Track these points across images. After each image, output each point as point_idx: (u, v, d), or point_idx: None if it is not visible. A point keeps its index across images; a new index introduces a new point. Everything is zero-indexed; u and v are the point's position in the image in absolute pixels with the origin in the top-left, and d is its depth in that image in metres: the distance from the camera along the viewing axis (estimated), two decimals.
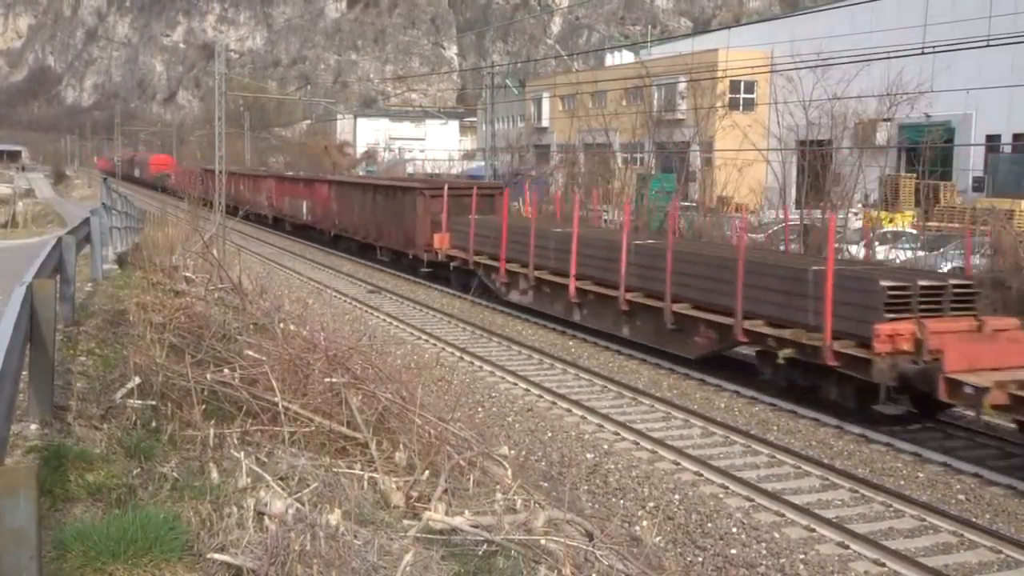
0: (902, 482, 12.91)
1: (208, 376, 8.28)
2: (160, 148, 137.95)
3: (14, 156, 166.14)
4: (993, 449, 14.18)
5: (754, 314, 16.57)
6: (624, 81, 49.84)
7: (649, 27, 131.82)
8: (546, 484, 11.46)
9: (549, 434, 14.73)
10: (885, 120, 39.34)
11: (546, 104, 70.48)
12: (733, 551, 10.53)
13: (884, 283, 14.43)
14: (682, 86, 51.56)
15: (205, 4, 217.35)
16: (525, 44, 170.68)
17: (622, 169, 51.65)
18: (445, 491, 7.12)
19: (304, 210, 45.38)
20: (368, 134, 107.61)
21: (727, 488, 12.47)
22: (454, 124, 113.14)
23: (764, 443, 14.39)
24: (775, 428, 15.36)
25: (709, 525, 11.19)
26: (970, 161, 41.64)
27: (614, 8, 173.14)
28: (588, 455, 13.66)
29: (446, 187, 30.66)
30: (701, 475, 12.99)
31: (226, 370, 8.52)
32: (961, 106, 40.14)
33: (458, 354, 20.39)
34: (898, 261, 26.22)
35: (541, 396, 17.10)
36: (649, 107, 51.40)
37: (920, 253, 26.66)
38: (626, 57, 72.02)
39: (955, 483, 12.86)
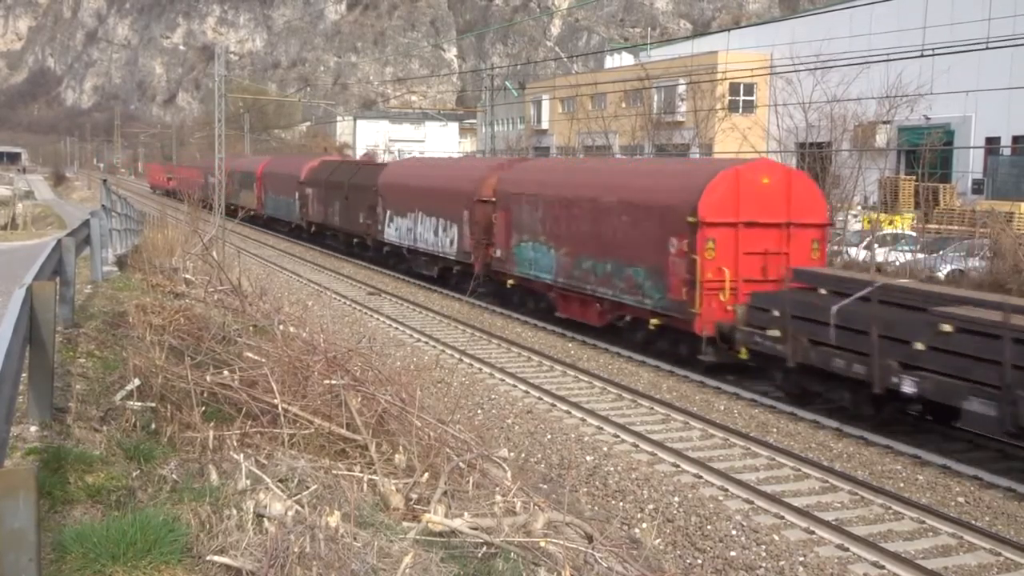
0: (901, 484, 12.92)
1: (208, 378, 8.27)
2: (160, 150, 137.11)
3: (14, 158, 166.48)
4: (992, 452, 14.18)
5: None
6: (624, 83, 49.86)
7: (649, 29, 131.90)
8: (546, 486, 11.45)
9: (549, 436, 14.73)
10: (884, 123, 39.37)
11: (546, 106, 70.51)
12: (732, 553, 10.53)
13: None
14: (682, 88, 51.59)
15: (205, 6, 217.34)
16: (525, 46, 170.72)
17: None
18: (444, 493, 7.11)
19: None
20: (368, 136, 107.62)
21: (727, 490, 12.47)
22: (454, 126, 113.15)
23: (764, 445, 14.39)
24: (774, 430, 15.36)
25: (709, 527, 11.19)
26: (969, 163, 41.67)
27: (614, 10, 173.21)
28: (588, 457, 13.66)
29: None
30: (701, 477, 12.99)
31: (226, 372, 8.51)
32: (960, 108, 40.18)
33: (458, 356, 20.38)
34: (897, 263, 26.25)
35: (541, 398, 17.10)
36: (649, 109, 51.43)
37: (919, 255, 26.68)
38: (626, 59, 72.08)
39: (955, 485, 12.87)
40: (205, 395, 8.09)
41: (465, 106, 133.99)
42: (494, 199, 25.88)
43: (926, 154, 36.64)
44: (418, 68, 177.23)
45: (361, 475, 7.30)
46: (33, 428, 6.69)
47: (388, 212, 33.35)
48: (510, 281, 25.25)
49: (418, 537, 6.16)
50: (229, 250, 27.19)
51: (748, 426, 15.56)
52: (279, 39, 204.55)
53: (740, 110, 50.28)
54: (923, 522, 11.47)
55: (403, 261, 32.87)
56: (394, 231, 32.99)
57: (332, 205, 39.93)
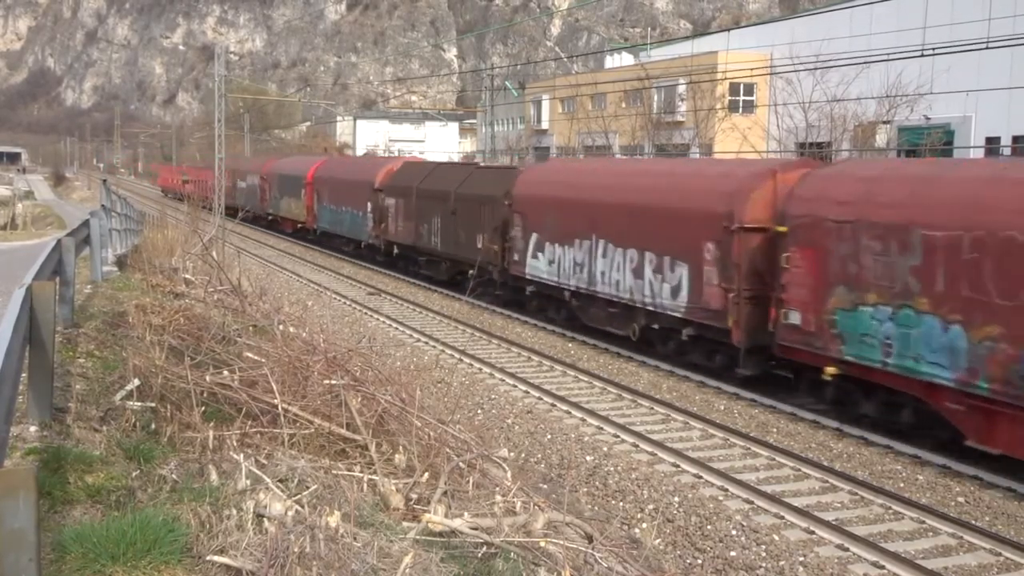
0: (901, 484, 12.92)
1: (207, 378, 8.26)
2: (160, 151, 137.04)
3: (14, 158, 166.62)
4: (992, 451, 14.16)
5: None
6: (624, 83, 49.86)
7: (649, 29, 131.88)
8: (546, 486, 11.45)
9: (549, 436, 14.73)
10: (884, 123, 39.38)
11: (546, 106, 70.51)
12: (732, 553, 10.53)
13: None
14: (682, 88, 51.59)
15: (205, 6, 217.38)
16: (525, 46, 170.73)
17: None
18: (444, 493, 7.11)
19: None
20: (368, 136, 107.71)
21: (727, 490, 12.47)
22: (454, 126, 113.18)
23: (764, 445, 14.39)
24: (775, 430, 15.36)
25: (709, 527, 11.19)
26: None
27: (614, 10, 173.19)
28: (588, 457, 13.66)
29: None
30: (701, 477, 12.99)
31: (225, 372, 8.50)
32: (960, 108, 40.15)
33: (458, 356, 20.38)
34: None
35: (541, 398, 17.10)
36: (649, 109, 51.45)
37: None
38: (626, 59, 72.07)
39: (955, 485, 12.87)
40: (205, 395, 8.09)
41: (465, 106, 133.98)
42: (781, 227, 16.21)
43: (926, 154, 36.64)
44: (418, 68, 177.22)
45: (361, 475, 7.29)
46: (33, 428, 6.69)
47: (534, 236, 23.93)
48: (829, 369, 15.33)
49: (418, 537, 6.16)
50: (229, 250, 27.19)
51: (748, 426, 15.55)
52: (279, 39, 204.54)
53: (740, 110, 50.27)
54: (923, 522, 11.47)
55: (560, 307, 23.70)
56: (545, 264, 23.49)
57: (429, 222, 30.47)
